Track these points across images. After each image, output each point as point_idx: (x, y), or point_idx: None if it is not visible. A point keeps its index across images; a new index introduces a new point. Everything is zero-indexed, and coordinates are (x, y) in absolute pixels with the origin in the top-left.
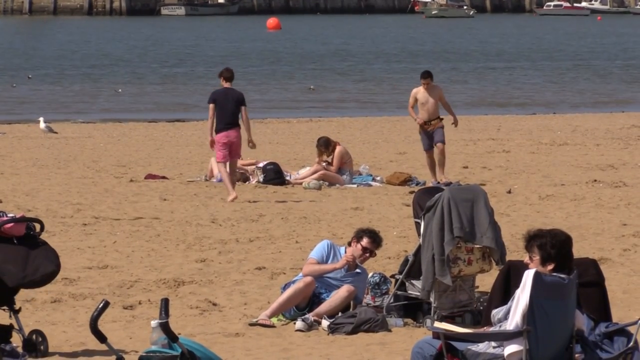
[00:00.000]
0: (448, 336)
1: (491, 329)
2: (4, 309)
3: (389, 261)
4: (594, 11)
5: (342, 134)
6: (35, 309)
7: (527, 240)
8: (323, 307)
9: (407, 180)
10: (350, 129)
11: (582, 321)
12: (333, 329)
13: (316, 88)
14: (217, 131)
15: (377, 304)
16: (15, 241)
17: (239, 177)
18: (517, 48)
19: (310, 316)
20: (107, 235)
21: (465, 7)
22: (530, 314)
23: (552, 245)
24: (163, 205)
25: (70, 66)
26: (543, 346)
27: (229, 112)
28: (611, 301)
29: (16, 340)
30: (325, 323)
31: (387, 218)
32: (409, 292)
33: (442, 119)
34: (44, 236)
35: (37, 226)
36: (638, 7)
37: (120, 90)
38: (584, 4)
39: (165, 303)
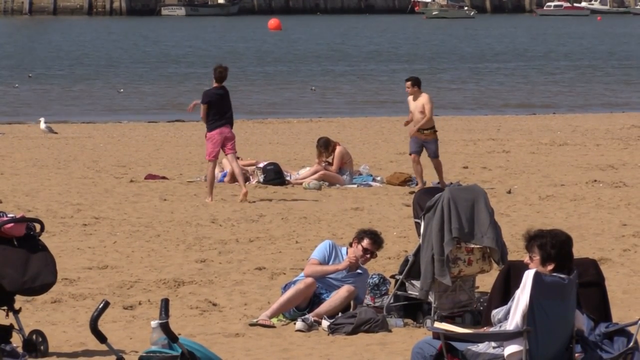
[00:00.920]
0: (448, 336)
1: (491, 329)
2: (3, 309)
3: (389, 261)
4: (594, 11)
5: (342, 134)
6: (35, 309)
7: (527, 241)
8: (323, 308)
9: (407, 181)
10: (350, 129)
11: (582, 321)
12: (333, 329)
13: (317, 89)
14: (210, 129)
15: (376, 304)
16: (15, 242)
17: None
18: (519, 48)
19: (311, 316)
20: (107, 235)
21: (465, 8)
22: (530, 314)
23: (552, 246)
24: (163, 205)
25: (70, 66)
26: (543, 346)
27: (221, 111)
28: (611, 301)
29: (16, 341)
30: (325, 323)
31: (387, 218)
32: (409, 292)
33: (436, 131)
34: (44, 236)
35: (37, 226)
36: (638, 7)
37: (122, 90)
38: (584, 4)
39: (165, 303)
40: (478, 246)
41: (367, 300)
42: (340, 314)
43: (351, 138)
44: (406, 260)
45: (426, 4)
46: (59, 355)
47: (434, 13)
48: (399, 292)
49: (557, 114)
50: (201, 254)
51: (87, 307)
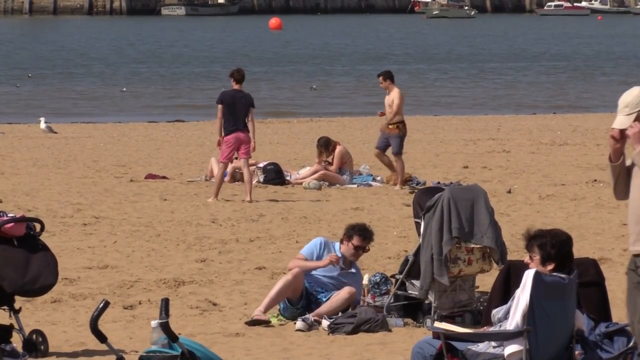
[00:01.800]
0: (448, 336)
1: (491, 329)
2: (4, 309)
3: (389, 261)
4: (594, 11)
5: (342, 134)
6: (35, 309)
7: (527, 240)
8: (324, 308)
9: (407, 180)
10: (350, 129)
11: (582, 321)
12: (333, 329)
13: (316, 88)
14: (226, 133)
15: (377, 303)
16: (15, 242)
17: (239, 177)
18: (519, 49)
19: (311, 316)
20: (107, 235)
21: (466, 8)
22: (530, 313)
23: (552, 245)
24: (163, 205)
25: (70, 66)
26: (543, 346)
27: (237, 114)
28: (611, 301)
29: (16, 340)
30: (325, 323)
31: (387, 218)
32: (409, 292)
33: (398, 126)
34: (44, 236)
35: (37, 226)
36: (638, 7)
37: (124, 89)
38: (584, 4)
39: (165, 303)
40: (478, 246)
41: (368, 298)
42: (340, 314)
43: (351, 138)
44: (406, 260)
45: (426, 3)
46: (59, 355)
47: (434, 13)
48: (399, 292)
49: (557, 114)
50: (201, 254)
51: (87, 307)
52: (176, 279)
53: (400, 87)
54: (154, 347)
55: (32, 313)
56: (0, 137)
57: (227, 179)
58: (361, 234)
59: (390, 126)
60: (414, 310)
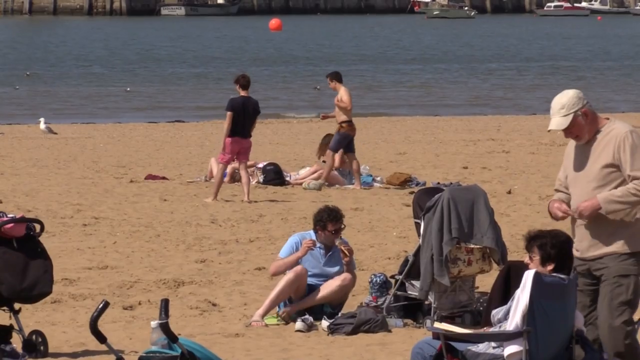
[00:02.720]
0: (448, 337)
1: (491, 330)
2: (4, 310)
3: (389, 261)
4: (594, 11)
5: None
6: (35, 309)
7: (527, 241)
8: (316, 300)
9: (407, 181)
10: None
11: (582, 321)
12: (333, 330)
13: (317, 88)
14: (231, 135)
15: (378, 304)
16: (15, 244)
17: (238, 177)
18: (520, 49)
19: (310, 316)
20: (107, 235)
21: (466, 8)
22: (530, 314)
23: (552, 246)
24: (163, 205)
25: (70, 66)
26: (543, 347)
27: (245, 121)
28: None
29: (16, 341)
30: (325, 323)
31: (387, 218)
32: (409, 292)
33: (342, 125)
34: (44, 237)
35: (37, 227)
36: (638, 7)
37: (129, 89)
38: (584, 4)
39: (165, 303)
40: (478, 246)
41: (370, 299)
42: (340, 314)
43: None
44: (406, 261)
45: (427, 3)
46: (59, 355)
47: (434, 13)
48: (399, 292)
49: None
50: (201, 254)
51: (87, 307)
52: (176, 280)
53: (348, 86)
54: (153, 348)
55: (32, 313)
56: (0, 137)
57: (226, 179)
58: (332, 220)
59: (338, 125)
60: (413, 310)
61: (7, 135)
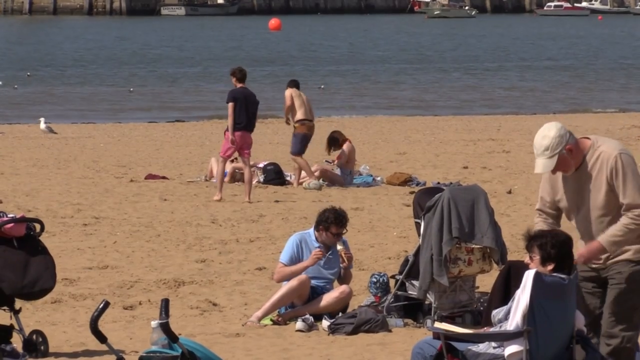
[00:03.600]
0: (448, 336)
1: (491, 330)
2: (4, 309)
3: (389, 261)
4: (594, 11)
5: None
6: (35, 309)
7: (527, 240)
8: (317, 309)
9: (407, 181)
10: (350, 129)
11: (582, 321)
12: (333, 329)
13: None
14: (234, 130)
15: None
16: (15, 243)
17: (239, 177)
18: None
19: (310, 316)
20: (107, 235)
21: (466, 8)
22: (530, 314)
23: (552, 245)
24: (163, 205)
25: (70, 66)
26: (543, 346)
27: (248, 112)
28: None
29: (16, 341)
30: (325, 323)
31: (387, 218)
32: (409, 292)
33: (295, 125)
34: (44, 236)
35: (37, 226)
36: (638, 7)
37: (132, 89)
38: (584, 4)
39: (165, 303)
40: (478, 246)
41: (372, 299)
42: (340, 314)
43: (351, 138)
44: (406, 260)
45: (427, 3)
46: (59, 355)
47: (435, 12)
48: (399, 292)
49: (557, 114)
50: (201, 254)
51: (87, 307)
52: (176, 280)
53: (296, 90)
54: (154, 348)
55: (32, 313)
56: (0, 137)
57: (226, 179)
58: (337, 222)
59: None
60: (414, 310)
61: (7, 135)
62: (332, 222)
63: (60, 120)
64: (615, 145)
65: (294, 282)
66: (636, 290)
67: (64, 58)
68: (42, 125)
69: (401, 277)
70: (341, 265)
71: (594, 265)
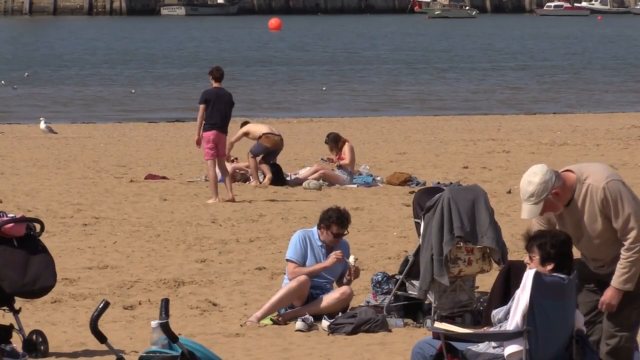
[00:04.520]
0: (448, 336)
1: (491, 329)
2: (4, 309)
3: (389, 261)
4: (594, 11)
5: (342, 134)
6: (35, 309)
7: (527, 240)
8: (318, 309)
9: (407, 181)
10: (350, 129)
11: (582, 321)
12: (333, 329)
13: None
14: (206, 129)
15: (377, 302)
16: (15, 242)
17: (239, 177)
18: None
19: (310, 316)
20: (107, 235)
21: (467, 8)
22: (530, 314)
23: (552, 245)
24: (163, 205)
25: (69, 66)
26: (543, 346)
27: (220, 112)
28: None
29: (16, 341)
30: (325, 323)
31: (387, 218)
32: (409, 292)
33: (259, 137)
34: (44, 236)
35: (37, 226)
36: (638, 7)
37: (133, 91)
38: (584, 4)
39: (165, 303)
40: (478, 246)
41: (369, 297)
42: (340, 314)
43: (351, 138)
44: (406, 260)
45: (427, 3)
46: (59, 355)
47: (436, 12)
48: (399, 292)
49: (557, 114)
50: (201, 254)
51: (87, 307)
52: (176, 279)
53: None
54: (154, 348)
55: (32, 313)
56: (0, 137)
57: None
58: (339, 222)
59: None
60: (414, 310)
61: (7, 135)
62: (334, 221)
63: (60, 120)
64: (601, 173)
65: (293, 284)
66: (634, 291)
67: (64, 58)
68: (42, 125)
69: (401, 277)
70: (346, 277)
71: (596, 271)
